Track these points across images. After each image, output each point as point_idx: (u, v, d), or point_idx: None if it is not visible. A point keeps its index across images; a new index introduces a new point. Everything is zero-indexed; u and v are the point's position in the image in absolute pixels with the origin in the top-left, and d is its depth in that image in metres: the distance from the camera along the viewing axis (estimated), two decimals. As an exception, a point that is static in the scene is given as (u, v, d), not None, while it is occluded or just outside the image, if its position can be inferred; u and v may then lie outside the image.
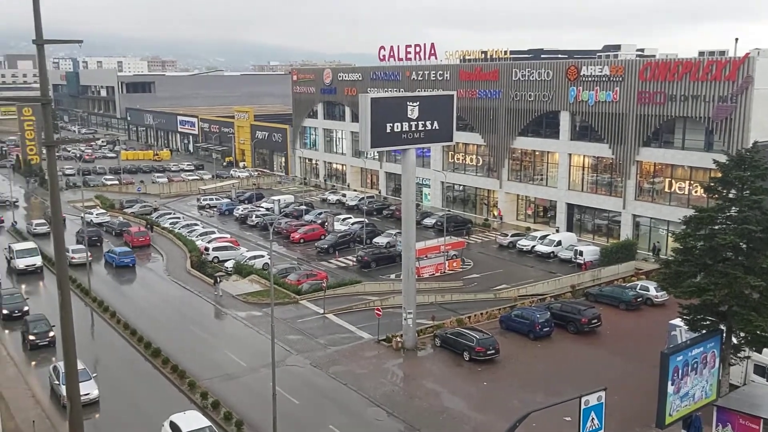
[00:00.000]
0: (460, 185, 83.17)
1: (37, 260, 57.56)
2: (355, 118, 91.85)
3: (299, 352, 41.76)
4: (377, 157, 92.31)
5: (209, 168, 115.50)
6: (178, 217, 78.40)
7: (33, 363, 40.51)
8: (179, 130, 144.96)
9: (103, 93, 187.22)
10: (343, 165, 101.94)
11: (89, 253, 55.53)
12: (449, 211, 78.93)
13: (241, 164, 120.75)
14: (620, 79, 63.30)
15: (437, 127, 42.29)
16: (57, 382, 34.49)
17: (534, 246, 64.31)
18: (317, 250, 65.46)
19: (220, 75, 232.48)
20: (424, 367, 40.46)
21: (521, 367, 40.04)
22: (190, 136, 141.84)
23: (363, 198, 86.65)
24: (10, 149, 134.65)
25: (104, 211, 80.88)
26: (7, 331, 44.98)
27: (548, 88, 70.00)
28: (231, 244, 65.05)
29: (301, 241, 68.78)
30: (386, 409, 34.79)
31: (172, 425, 30.59)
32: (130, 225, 72.51)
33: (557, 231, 69.02)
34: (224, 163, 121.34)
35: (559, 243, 63.44)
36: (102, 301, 49.97)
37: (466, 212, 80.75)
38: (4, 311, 46.54)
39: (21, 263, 57.23)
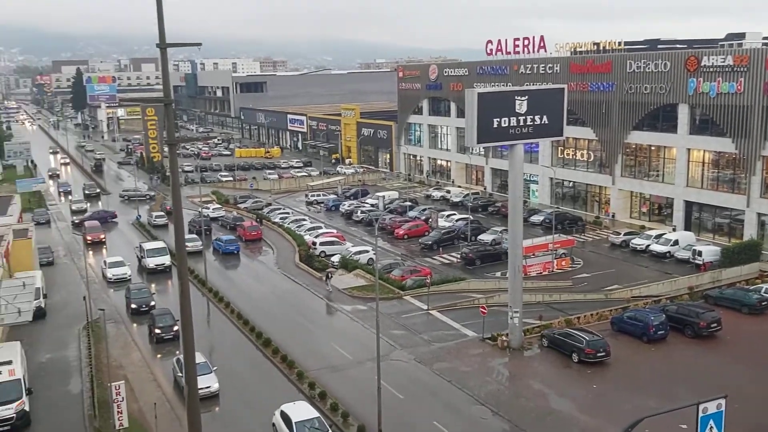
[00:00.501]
0: (570, 181, 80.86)
1: (166, 259, 58.99)
2: (460, 113, 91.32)
3: (403, 347, 42.02)
4: (483, 152, 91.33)
5: (317, 165, 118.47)
6: (288, 212, 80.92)
7: (158, 356, 42.12)
8: (289, 128, 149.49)
9: (219, 93, 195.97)
10: (447, 161, 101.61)
11: (202, 243, 57.96)
12: (558, 208, 76.94)
13: (347, 161, 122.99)
14: (745, 69, 59.32)
15: (546, 122, 41.25)
16: (180, 374, 35.42)
17: (649, 245, 61.54)
18: (421, 247, 65.62)
19: (327, 74, 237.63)
20: (530, 367, 39.67)
21: (633, 370, 38.42)
22: (299, 134, 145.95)
23: (468, 194, 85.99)
24: (135, 147, 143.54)
25: (219, 206, 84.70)
26: (135, 325, 47.20)
27: (665, 80, 66.67)
28: (337, 239, 66.42)
29: (405, 237, 69.16)
30: (491, 407, 34.37)
31: (283, 414, 31.48)
32: (243, 219, 75.55)
33: (674, 230, 65.70)
34: (333, 161, 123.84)
35: (676, 242, 60.34)
36: (217, 291, 52.33)
37: (576, 209, 78.42)
38: (133, 306, 48.65)
39: (151, 262, 58.78)
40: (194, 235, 64.03)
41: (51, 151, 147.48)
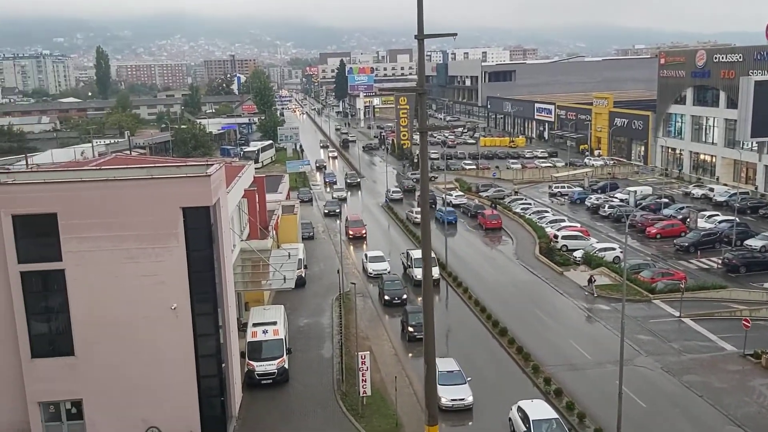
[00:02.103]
0: None
1: (435, 271, 50.05)
2: (731, 103, 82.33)
3: (649, 353, 39.37)
4: (756, 147, 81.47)
5: (563, 155, 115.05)
6: (529, 203, 79.82)
7: (410, 354, 40.76)
8: (535, 117, 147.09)
9: (468, 83, 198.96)
10: (712, 156, 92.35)
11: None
12: None
13: (596, 152, 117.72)
14: None
15: (842, 114, 35.56)
16: None
17: None
18: (675, 248, 60.72)
19: (579, 61, 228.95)
20: (801, 394, 34.87)
21: None
22: (546, 124, 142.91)
23: (735, 194, 77.44)
24: (387, 134, 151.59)
25: (462, 193, 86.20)
26: (387, 317, 47.65)
27: None
28: (581, 234, 63.99)
29: (658, 236, 64.42)
30: (748, 431, 30.86)
31: (520, 411, 31.17)
32: (484, 208, 76.13)
33: None
34: (588, 153, 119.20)
35: None
36: (456, 276, 53.48)
37: None
38: (386, 297, 49.42)
39: (418, 273, 49.45)
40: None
41: (321, 145, 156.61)
